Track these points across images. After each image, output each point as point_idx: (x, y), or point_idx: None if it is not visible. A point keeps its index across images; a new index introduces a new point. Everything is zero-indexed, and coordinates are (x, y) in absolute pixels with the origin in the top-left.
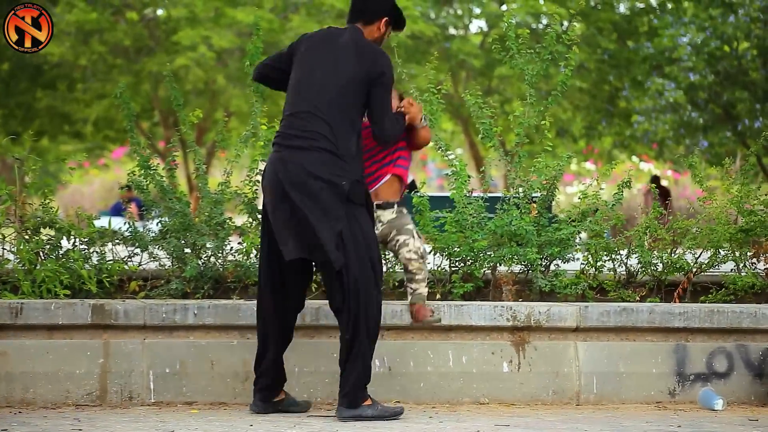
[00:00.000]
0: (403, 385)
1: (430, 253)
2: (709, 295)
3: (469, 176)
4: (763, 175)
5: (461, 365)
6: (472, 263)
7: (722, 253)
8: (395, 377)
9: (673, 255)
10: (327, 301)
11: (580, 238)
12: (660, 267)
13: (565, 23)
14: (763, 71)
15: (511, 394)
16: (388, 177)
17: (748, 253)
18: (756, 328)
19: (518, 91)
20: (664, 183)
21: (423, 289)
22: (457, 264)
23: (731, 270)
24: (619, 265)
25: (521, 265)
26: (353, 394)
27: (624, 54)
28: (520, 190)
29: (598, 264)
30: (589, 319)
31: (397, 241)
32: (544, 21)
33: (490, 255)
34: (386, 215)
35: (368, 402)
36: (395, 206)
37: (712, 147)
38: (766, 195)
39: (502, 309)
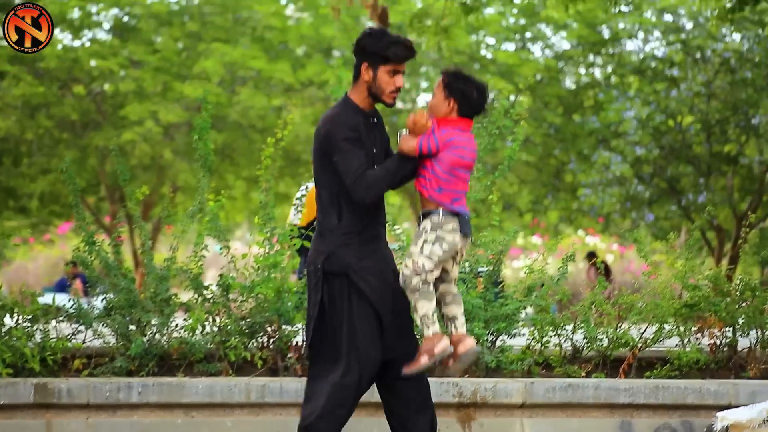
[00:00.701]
0: None
1: None
2: (654, 371)
3: None
4: (708, 249)
5: None
6: (419, 338)
7: (667, 328)
8: None
9: (618, 330)
10: (272, 379)
11: (526, 313)
12: (605, 342)
13: (512, 98)
14: (707, 145)
15: None
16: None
17: (693, 329)
18: (700, 404)
19: None
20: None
21: (416, 319)
22: None
23: (676, 345)
24: (564, 341)
25: None
26: None
27: (570, 128)
28: (467, 264)
29: (544, 339)
30: (535, 396)
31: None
32: (491, 95)
33: None
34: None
35: None
36: (421, 219)
37: (657, 221)
38: (710, 270)
39: (448, 385)
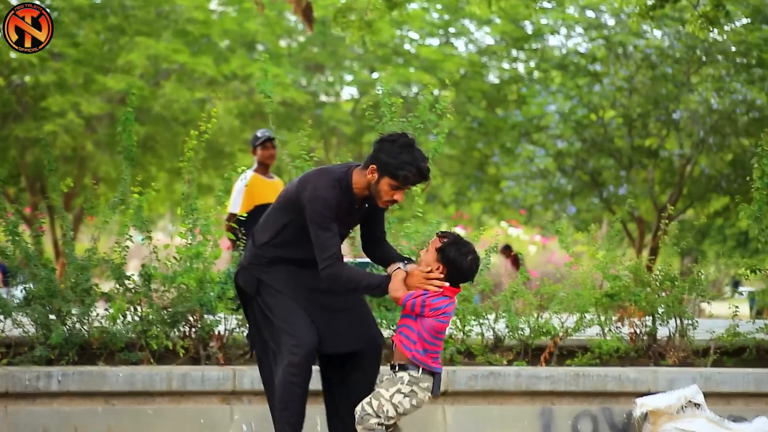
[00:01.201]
0: None
1: None
2: (575, 359)
3: None
4: (629, 240)
5: (314, 430)
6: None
7: (588, 317)
8: None
9: (539, 319)
10: (194, 368)
11: None
12: (527, 331)
13: (436, 92)
14: (628, 139)
15: None
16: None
17: (613, 318)
18: (620, 391)
19: None
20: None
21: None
22: None
23: (597, 334)
24: (486, 330)
25: (390, 330)
26: None
27: (493, 122)
28: None
29: (466, 328)
30: (457, 383)
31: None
32: (414, 89)
33: None
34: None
35: None
36: (396, 368)
37: (579, 213)
38: (630, 261)
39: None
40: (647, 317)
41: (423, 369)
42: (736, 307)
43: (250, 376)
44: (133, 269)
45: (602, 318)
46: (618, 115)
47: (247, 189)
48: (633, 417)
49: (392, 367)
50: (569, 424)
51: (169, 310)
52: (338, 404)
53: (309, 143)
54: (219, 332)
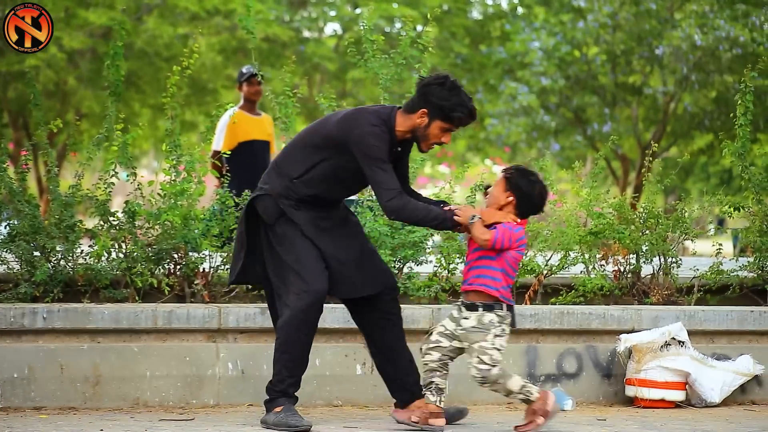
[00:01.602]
0: (256, 388)
1: None
2: (560, 297)
3: None
4: (613, 178)
5: (315, 368)
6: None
7: (572, 255)
8: (248, 380)
9: (524, 258)
10: (179, 305)
11: (433, 240)
12: None
13: (419, 27)
14: (612, 76)
15: (364, 397)
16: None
17: (597, 256)
18: (605, 329)
19: (371, 94)
20: None
21: (518, 397)
22: None
23: (581, 272)
24: None
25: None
26: (266, 399)
27: (477, 58)
28: (373, 193)
29: (451, 266)
30: (442, 321)
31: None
32: (398, 25)
33: None
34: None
35: (278, 408)
36: (477, 309)
37: (563, 150)
38: (614, 198)
39: None
40: (631, 255)
41: (506, 306)
42: (720, 244)
43: (235, 313)
44: (117, 206)
45: (586, 256)
46: (601, 52)
47: (230, 126)
48: (617, 353)
49: (469, 308)
50: (554, 362)
51: (154, 247)
52: (379, 346)
53: (292, 80)
54: (204, 269)
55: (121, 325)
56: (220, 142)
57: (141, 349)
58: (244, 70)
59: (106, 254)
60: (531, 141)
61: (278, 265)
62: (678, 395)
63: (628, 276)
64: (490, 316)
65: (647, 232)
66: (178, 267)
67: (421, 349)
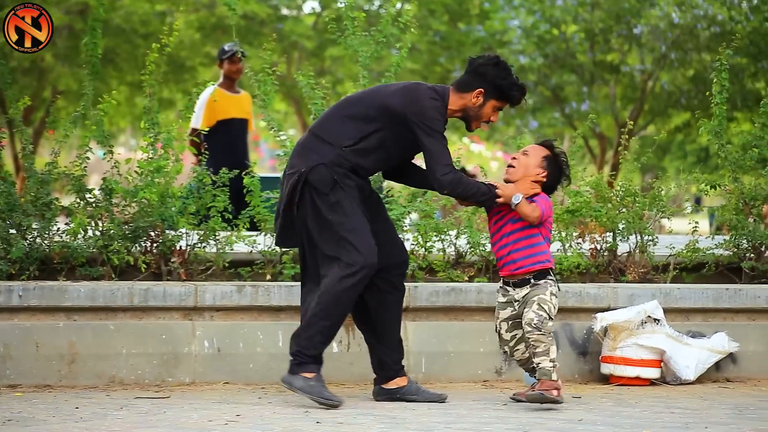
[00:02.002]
0: (232, 366)
1: (260, 234)
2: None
3: None
4: (590, 156)
5: None
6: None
7: None
8: (224, 358)
9: None
10: (156, 283)
11: (410, 218)
12: (488, 247)
13: (399, 5)
14: (590, 54)
15: (341, 374)
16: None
17: (574, 234)
18: (581, 307)
19: (350, 72)
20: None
21: (545, 363)
22: None
23: (557, 250)
24: (448, 246)
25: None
26: (293, 360)
27: (455, 36)
28: None
29: (428, 245)
30: (418, 299)
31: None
32: (377, 2)
33: None
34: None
35: (309, 375)
36: (531, 283)
37: (541, 128)
38: (591, 176)
39: None
40: (608, 233)
41: (553, 271)
42: (696, 223)
43: (212, 291)
44: (94, 184)
45: (563, 234)
46: (580, 30)
47: (209, 104)
48: (593, 332)
49: (519, 284)
50: None
51: (131, 225)
52: (377, 318)
53: (272, 57)
54: (181, 247)
55: (97, 303)
56: (199, 119)
57: (117, 327)
58: (226, 47)
59: (82, 232)
60: (509, 119)
61: (329, 233)
62: (653, 373)
63: (605, 254)
64: (543, 282)
65: (624, 210)
66: (155, 245)
67: (504, 351)
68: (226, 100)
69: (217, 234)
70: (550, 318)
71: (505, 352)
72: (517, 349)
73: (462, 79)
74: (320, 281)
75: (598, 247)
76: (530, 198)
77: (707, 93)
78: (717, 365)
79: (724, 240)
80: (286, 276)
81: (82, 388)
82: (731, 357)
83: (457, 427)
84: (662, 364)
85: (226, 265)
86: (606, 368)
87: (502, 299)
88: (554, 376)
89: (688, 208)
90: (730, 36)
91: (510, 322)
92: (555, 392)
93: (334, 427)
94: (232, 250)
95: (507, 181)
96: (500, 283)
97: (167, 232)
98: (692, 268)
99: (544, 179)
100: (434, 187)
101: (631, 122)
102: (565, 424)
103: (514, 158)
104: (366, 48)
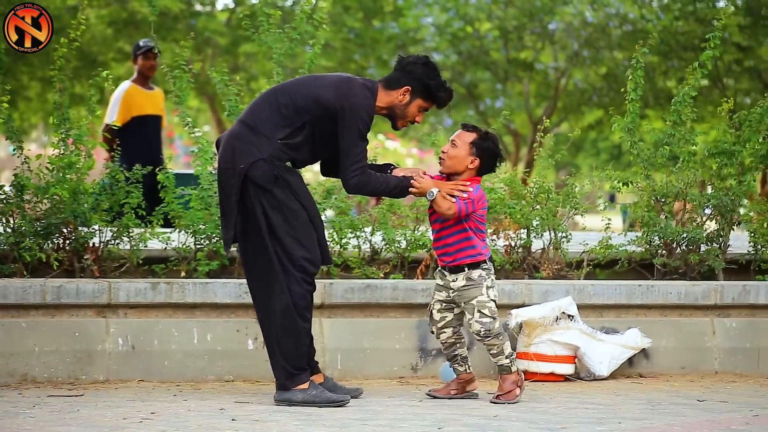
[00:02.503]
0: (147, 363)
1: (174, 231)
2: (435, 271)
3: (215, 153)
4: (504, 153)
5: (206, 343)
6: (217, 240)
7: None
8: (139, 356)
9: (416, 232)
10: (68, 280)
11: (325, 215)
12: (403, 244)
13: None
14: (504, 52)
15: (256, 372)
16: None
17: (489, 230)
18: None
19: (264, 68)
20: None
21: (502, 361)
22: (202, 241)
23: None
24: (363, 243)
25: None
26: (280, 379)
27: (369, 33)
28: None
29: (343, 241)
30: (333, 296)
31: (465, 317)
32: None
33: None
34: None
35: (303, 385)
36: (465, 272)
37: (455, 126)
38: (505, 173)
39: (247, 286)
40: (522, 230)
41: (489, 259)
42: (609, 219)
43: (125, 288)
44: (5, 180)
45: None
46: (494, 28)
47: (123, 100)
48: (508, 328)
49: (454, 270)
50: None
51: (43, 221)
52: None
53: (186, 54)
54: (94, 244)
55: (8, 301)
56: (113, 115)
57: (29, 325)
58: (141, 43)
59: None
60: (424, 116)
61: (277, 234)
62: (567, 369)
63: (519, 251)
64: (477, 272)
65: (538, 207)
66: (68, 242)
67: (432, 332)
68: (140, 96)
69: (130, 231)
70: (494, 318)
71: (432, 332)
72: (444, 332)
73: (390, 76)
74: (268, 275)
75: (513, 243)
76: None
77: (621, 90)
78: (630, 361)
79: (637, 237)
80: (201, 273)
81: None
82: (644, 353)
83: (372, 424)
84: (576, 360)
85: (140, 262)
86: (521, 364)
87: (440, 282)
88: (513, 368)
89: (601, 205)
90: (642, 34)
91: (443, 304)
92: (518, 390)
93: (249, 425)
94: (146, 246)
95: (441, 174)
96: (439, 268)
97: (80, 228)
98: (605, 265)
99: (477, 165)
100: (343, 185)
101: (546, 119)
102: (480, 420)
103: (444, 151)
104: (280, 45)
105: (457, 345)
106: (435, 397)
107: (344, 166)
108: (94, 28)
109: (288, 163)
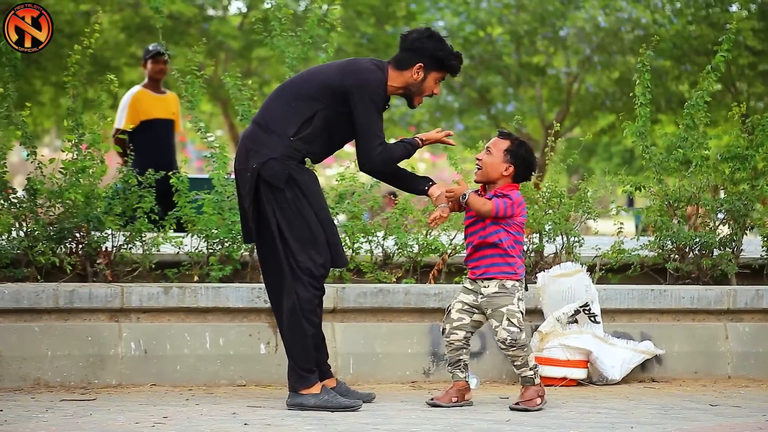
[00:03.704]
0: (159, 367)
1: (187, 235)
2: (463, 276)
3: (228, 158)
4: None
5: (218, 347)
6: (230, 245)
7: None
8: (151, 360)
9: (428, 237)
10: (81, 285)
11: (338, 220)
12: (416, 248)
13: (325, 6)
14: (516, 56)
15: (268, 376)
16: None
17: None
18: None
19: (276, 73)
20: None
21: (526, 372)
22: (214, 246)
23: None
24: (376, 247)
25: None
26: (291, 381)
27: (382, 38)
28: None
29: (356, 246)
30: (346, 301)
31: (491, 324)
32: (303, 4)
33: None
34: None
35: (315, 389)
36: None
37: (467, 130)
38: None
39: (260, 291)
40: (534, 234)
41: (521, 273)
42: (622, 224)
43: (138, 293)
44: (18, 185)
45: None
46: (505, 32)
47: (131, 104)
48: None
49: (488, 279)
50: None
51: (56, 226)
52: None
53: (199, 59)
54: (106, 248)
55: (21, 305)
56: (122, 120)
57: (42, 329)
58: (150, 47)
59: (6, 233)
60: (435, 120)
61: (289, 234)
62: (580, 373)
63: (532, 255)
64: (511, 282)
65: (550, 211)
66: (80, 246)
67: (443, 330)
68: (149, 100)
69: (143, 235)
70: (521, 329)
71: (443, 330)
72: (456, 333)
73: (399, 56)
74: (279, 275)
75: (525, 248)
76: (501, 195)
77: (631, 95)
78: (643, 365)
79: (649, 241)
80: (213, 278)
81: (7, 390)
82: (656, 357)
83: (385, 428)
84: (588, 364)
85: (153, 266)
86: None
87: (469, 286)
88: (537, 381)
89: (614, 210)
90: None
91: (465, 306)
92: (539, 400)
93: (261, 429)
94: (158, 251)
95: (477, 182)
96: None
97: (93, 233)
98: (618, 269)
99: (512, 172)
100: (364, 165)
101: (558, 124)
102: (492, 425)
103: (479, 158)
104: (293, 49)
105: (464, 350)
106: (436, 406)
107: (366, 145)
108: (107, 33)
109: (304, 160)
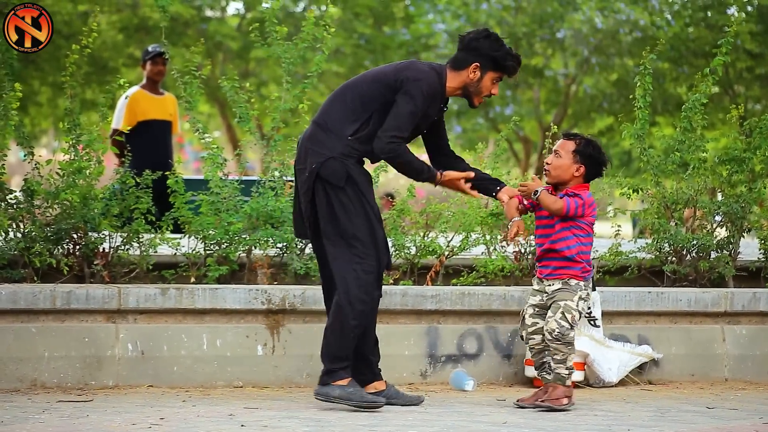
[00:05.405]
0: (156, 369)
1: (184, 236)
2: (461, 278)
3: (225, 159)
4: (515, 160)
5: (215, 349)
6: (227, 246)
7: (473, 236)
8: (148, 361)
9: (425, 238)
10: (78, 286)
11: None
12: (413, 250)
13: (323, 7)
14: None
15: (265, 378)
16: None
17: (499, 237)
18: (505, 310)
19: (274, 74)
20: None
21: (561, 370)
22: (212, 247)
23: (482, 253)
24: None
25: (276, 248)
26: (323, 371)
27: (380, 39)
28: (276, 173)
29: None
30: None
31: (547, 318)
32: (301, 5)
33: (245, 238)
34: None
35: (344, 381)
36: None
37: (465, 132)
38: (516, 179)
39: (257, 292)
40: (531, 236)
41: (593, 272)
42: (619, 226)
43: (135, 294)
44: (15, 186)
45: (487, 237)
46: (504, 34)
47: (128, 105)
48: (518, 334)
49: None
50: (455, 343)
51: (53, 227)
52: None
53: (197, 59)
54: (104, 249)
55: (18, 306)
56: (119, 120)
57: (39, 330)
58: (149, 48)
59: (3, 234)
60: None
61: (343, 229)
62: (577, 375)
63: (529, 257)
64: (575, 281)
65: None
66: (78, 247)
67: (521, 336)
68: (147, 101)
69: (140, 236)
70: (572, 327)
71: (521, 337)
72: (533, 338)
73: (456, 57)
74: (334, 271)
75: (523, 250)
76: (573, 194)
77: (630, 97)
78: (640, 368)
79: (647, 244)
80: (210, 278)
81: (4, 391)
82: (653, 360)
83: (381, 430)
84: (586, 366)
85: (150, 267)
86: (530, 371)
87: (536, 287)
88: (568, 383)
89: (611, 212)
90: (652, 41)
91: (536, 309)
92: (566, 400)
93: (258, 430)
94: (155, 252)
95: (548, 184)
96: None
97: (90, 234)
98: (615, 272)
99: (582, 172)
100: (375, 145)
101: (555, 126)
102: (489, 427)
103: (548, 162)
104: (289, 54)
105: (546, 352)
106: (522, 407)
107: (385, 127)
108: (105, 34)
109: (362, 160)
